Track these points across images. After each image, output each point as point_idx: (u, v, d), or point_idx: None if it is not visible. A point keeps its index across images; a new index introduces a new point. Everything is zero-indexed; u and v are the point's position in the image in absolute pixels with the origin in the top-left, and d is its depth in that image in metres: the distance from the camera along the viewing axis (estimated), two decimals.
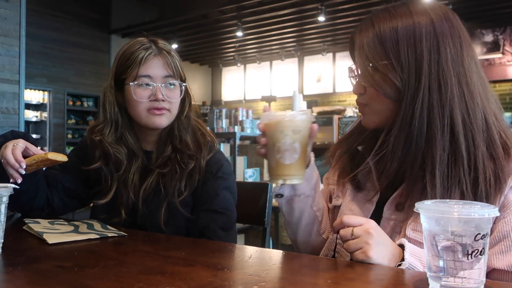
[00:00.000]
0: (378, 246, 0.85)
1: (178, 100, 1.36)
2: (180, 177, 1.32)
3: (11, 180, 1.19)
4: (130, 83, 1.31)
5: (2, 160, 1.19)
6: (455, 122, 0.93)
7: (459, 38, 0.96)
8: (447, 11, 0.99)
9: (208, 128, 1.50)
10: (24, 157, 1.20)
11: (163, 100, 1.31)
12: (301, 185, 1.08)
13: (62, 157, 1.22)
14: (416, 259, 0.85)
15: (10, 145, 1.20)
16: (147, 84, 1.31)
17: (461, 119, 0.93)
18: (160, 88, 1.31)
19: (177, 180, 1.32)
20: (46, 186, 1.39)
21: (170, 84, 1.34)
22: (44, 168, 1.40)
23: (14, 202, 1.10)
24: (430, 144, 0.93)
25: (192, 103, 1.43)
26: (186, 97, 1.40)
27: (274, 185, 1.17)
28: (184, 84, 1.37)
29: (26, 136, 1.28)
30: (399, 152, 0.95)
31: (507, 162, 0.92)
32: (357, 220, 0.89)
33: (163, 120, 1.34)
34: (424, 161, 0.94)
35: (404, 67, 0.95)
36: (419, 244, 0.90)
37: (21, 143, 1.21)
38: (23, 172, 1.19)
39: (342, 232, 0.89)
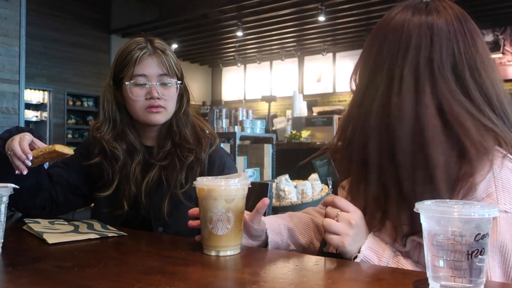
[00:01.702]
0: (355, 237, 0.89)
1: (174, 98, 1.40)
2: (180, 169, 1.36)
3: (16, 172, 1.20)
4: (126, 82, 1.35)
5: (9, 152, 1.19)
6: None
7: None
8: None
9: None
10: (31, 150, 1.20)
11: (158, 98, 1.35)
12: (273, 244, 1.06)
13: (68, 150, 1.23)
14: (373, 252, 0.89)
15: (17, 137, 1.21)
16: (143, 83, 1.35)
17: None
18: (155, 87, 1.35)
19: (178, 173, 1.36)
20: (49, 184, 1.40)
21: (165, 82, 1.37)
22: (46, 167, 1.41)
23: (16, 200, 1.10)
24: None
25: (192, 102, 1.46)
26: (184, 94, 1.44)
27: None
28: (179, 82, 1.41)
29: (31, 132, 1.29)
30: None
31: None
32: (346, 205, 0.92)
33: (160, 117, 1.37)
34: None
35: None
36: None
37: (28, 136, 1.22)
38: (30, 164, 1.19)
39: (328, 209, 0.93)
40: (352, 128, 1.01)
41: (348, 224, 0.89)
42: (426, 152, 0.86)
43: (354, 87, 1.03)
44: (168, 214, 1.34)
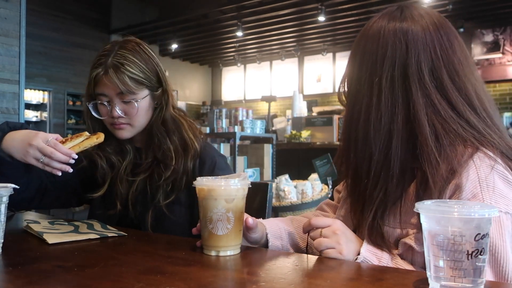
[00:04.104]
0: (348, 244, 0.91)
1: (140, 113, 1.33)
2: (162, 184, 1.33)
3: (59, 173, 1.16)
4: (92, 101, 1.34)
5: (41, 160, 1.14)
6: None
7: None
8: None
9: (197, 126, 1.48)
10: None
11: (120, 117, 1.31)
12: (274, 248, 1.07)
13: (99, 137, 1.23)
14: (372, 254, 0.91)
15: (40, 143, 1.13)
16: (104, 102, 1.32)
17: None
18: (114, 106, 1.30)
19: (160, 187, 1.33)
20: (39, 179, 1.35)
21: (125, 100, 1.31)
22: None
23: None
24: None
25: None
26: (161, 100, 1.36)
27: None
28: (141, 99, 1.32)
29: (23, 128, 1.27)
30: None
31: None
32: (324, 222, 0.93)
33: (124, 133, 1.35)
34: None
35: None
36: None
37: (49, 137, 1.16)
38: (73, 162, 1.17)
39: (311, 234, 0.94)
40: (343, 137, 1.03)
41: (335, 235, 0.91)
42: (388, 159, 0.92)
43: (343, 97, 1.05)
44: (152, 226, 1.32)
